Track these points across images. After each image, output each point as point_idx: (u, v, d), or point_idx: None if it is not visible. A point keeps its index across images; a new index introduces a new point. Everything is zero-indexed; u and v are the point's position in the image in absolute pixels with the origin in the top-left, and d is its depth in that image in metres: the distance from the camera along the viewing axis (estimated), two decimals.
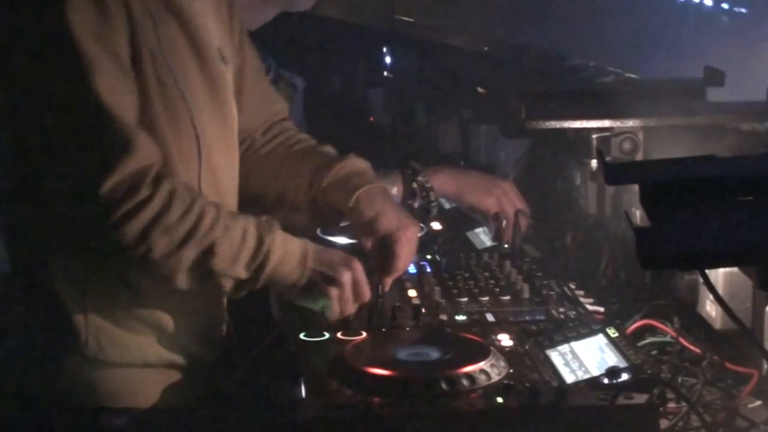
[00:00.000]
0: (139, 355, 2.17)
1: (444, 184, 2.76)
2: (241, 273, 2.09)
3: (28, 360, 2.18)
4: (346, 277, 2.19)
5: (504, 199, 2.75)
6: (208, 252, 2.04)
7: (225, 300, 2.30)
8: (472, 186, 2.79)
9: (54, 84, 1.98)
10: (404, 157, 2.76)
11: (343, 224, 2.50)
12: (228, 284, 2.11)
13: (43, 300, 2.13)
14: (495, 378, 1.99)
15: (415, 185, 2.70)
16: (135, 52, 2.04)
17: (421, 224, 2.87)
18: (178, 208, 2.00)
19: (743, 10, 3.30)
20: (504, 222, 2.74)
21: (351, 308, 2.22)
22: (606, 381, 1.97)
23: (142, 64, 2.06)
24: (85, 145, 1.96)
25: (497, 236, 2.76)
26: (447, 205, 2.91)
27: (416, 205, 2.70)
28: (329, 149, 2.47)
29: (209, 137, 2.18)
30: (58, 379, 2.15)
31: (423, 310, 2.32)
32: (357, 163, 2.41)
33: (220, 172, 2.24)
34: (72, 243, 2.09)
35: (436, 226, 2.91)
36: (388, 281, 2.33)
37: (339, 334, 2.22)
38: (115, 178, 1.94)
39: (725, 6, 3.46)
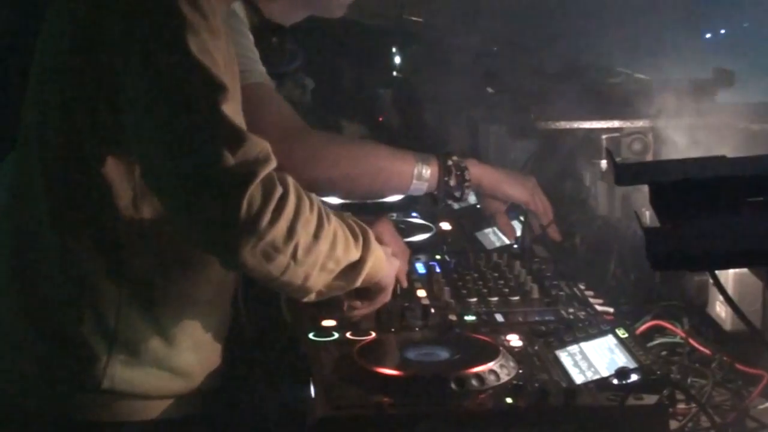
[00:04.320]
0: (149, 390, 2.12)
1: (481, 172, 2.73)
2: (355, 254, 2.07)
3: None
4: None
5: (536, 194, 2.76)
6: (333, 239, 2.01)
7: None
8: (510, 177, 2.77)
9: (184, 107, 1.91)
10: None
11: None
12: (334, 274, 2.06)
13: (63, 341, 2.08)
14: (504, 378, 1.99)
15: (450, 163, 2.67)
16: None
17: (430, 224, 2.88)
18: (305, 201, 1.96)
19: None
20: (538, 216, 2.77)
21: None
22: (615, 382, 1.97)
23: None
24: (224, 165, 1.88)
25: (526, 229, 2.77)
26: (456, 206, 2.91)
27: (452, 182, 2.67)
28: None
29: None
30: (64, 403, 2.10)
31: (432, 311, 2.33)
32: None
33: None
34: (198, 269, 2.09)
35: (445, 226, 2.91)
36: None
37: (348, 335, 2.22)
38: (252, 186, 1.88)
39: None
